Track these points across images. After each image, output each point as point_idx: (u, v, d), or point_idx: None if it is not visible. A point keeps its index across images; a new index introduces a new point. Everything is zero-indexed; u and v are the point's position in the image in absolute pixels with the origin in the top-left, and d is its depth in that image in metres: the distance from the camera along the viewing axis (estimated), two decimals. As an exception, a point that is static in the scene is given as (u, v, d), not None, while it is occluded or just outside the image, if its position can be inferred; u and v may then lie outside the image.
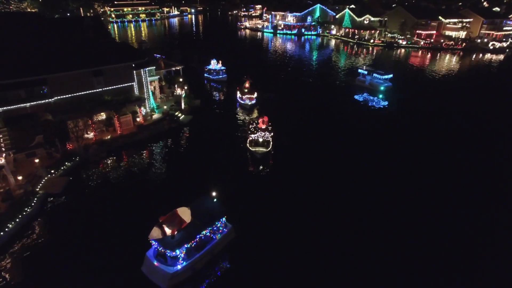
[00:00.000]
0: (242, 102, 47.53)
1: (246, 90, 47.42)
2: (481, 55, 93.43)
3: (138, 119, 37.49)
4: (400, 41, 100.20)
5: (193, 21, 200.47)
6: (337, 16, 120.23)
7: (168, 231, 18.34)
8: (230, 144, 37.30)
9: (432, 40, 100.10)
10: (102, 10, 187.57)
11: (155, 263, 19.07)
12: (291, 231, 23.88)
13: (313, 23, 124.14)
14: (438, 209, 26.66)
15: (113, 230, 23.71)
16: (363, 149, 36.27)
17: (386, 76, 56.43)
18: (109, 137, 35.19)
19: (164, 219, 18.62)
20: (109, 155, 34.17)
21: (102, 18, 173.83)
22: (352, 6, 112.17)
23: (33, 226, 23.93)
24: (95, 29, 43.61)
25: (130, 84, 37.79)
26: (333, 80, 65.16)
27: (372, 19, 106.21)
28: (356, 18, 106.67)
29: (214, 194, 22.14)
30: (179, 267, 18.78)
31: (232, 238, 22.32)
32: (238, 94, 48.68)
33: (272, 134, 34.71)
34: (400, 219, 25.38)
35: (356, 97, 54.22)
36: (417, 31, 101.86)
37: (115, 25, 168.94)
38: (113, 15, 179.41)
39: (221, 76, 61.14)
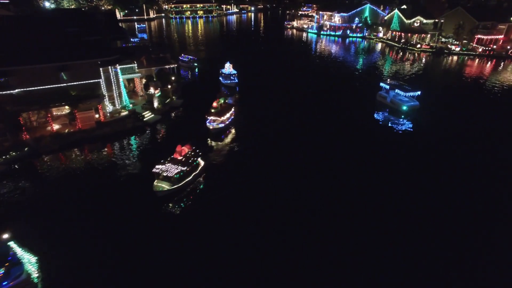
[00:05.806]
0: (207, 123, 38.92)
1: (213, 110, 38.61)
2: None
3: (96, 116, 38.00)
4: (453, 47, 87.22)
5: (252, 19, 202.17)
6: (385, 18, 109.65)
7: None
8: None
9: (495, 47, 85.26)
10: (165, 7, 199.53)
11: None
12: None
13: (359, 25, 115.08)
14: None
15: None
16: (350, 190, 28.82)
17: (411, 93, 46.07)
18: (66, 130, 36.31)
19: None
20: (62, 149, 35.20)
21: (163, 14, 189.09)
22: (404, 6, 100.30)
23: None
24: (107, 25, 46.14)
25: (96, 80, 38.40)
26: (357, 93, 56.42)
27: (424, 21, 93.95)
28: (405, 20, 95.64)
29: (6, 236, 19.73)
30: None
31: None
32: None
33: (188, 168, 28.34)
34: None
35: (376, 115, 46.25)
36: (477, 36, 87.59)
37: (174, 21, 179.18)
38: (173, 12, 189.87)
39: (230, 81, 56.65)
